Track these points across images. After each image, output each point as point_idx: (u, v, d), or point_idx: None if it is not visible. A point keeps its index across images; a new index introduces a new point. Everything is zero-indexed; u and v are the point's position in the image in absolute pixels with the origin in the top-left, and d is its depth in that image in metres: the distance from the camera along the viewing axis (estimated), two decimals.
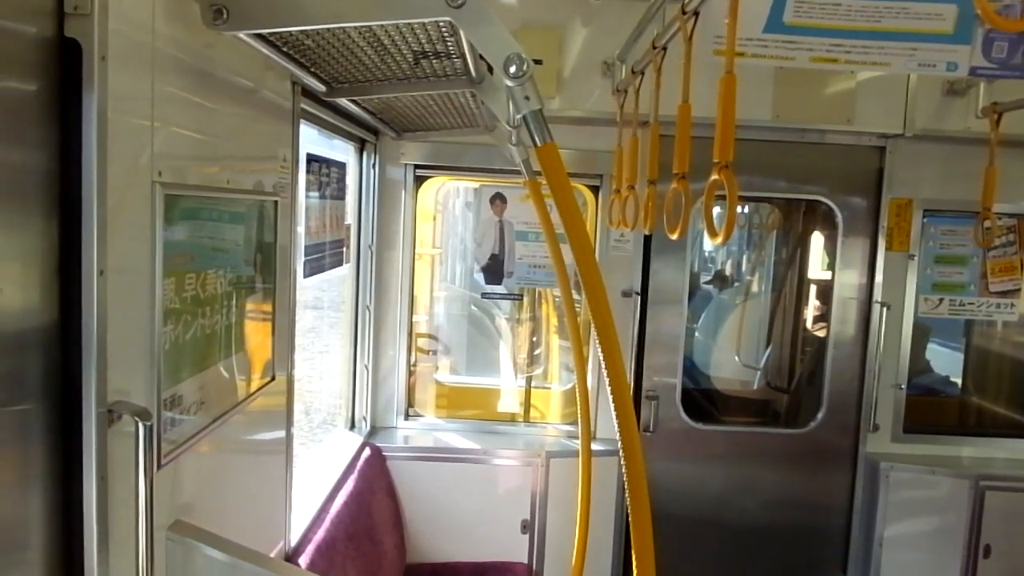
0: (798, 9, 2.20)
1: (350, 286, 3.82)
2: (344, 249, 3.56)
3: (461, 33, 1.76)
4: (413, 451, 3.80)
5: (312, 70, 2.09)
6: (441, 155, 3.94)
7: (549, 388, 4.51)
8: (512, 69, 1.40)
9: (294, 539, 2.54)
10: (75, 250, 1.27)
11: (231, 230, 1.92)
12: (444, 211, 4.70)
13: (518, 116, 1.50)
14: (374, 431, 3.92)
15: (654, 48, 2.52)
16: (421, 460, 3.77)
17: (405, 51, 1.94)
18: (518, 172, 3.29)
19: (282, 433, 2.40)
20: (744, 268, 5.74)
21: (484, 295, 4.17)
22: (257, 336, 2.13)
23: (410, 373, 4.08)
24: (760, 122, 3.66)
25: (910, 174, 3.90)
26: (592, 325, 1.48)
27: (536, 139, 1.46)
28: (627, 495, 1.53)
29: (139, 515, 1.33)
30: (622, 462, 1.51)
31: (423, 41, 1.84)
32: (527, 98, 1.46)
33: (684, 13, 2.09)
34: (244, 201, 1.99)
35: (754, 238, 5.53)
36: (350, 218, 3.70)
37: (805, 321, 4.84)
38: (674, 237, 2.18)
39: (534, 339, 4.55)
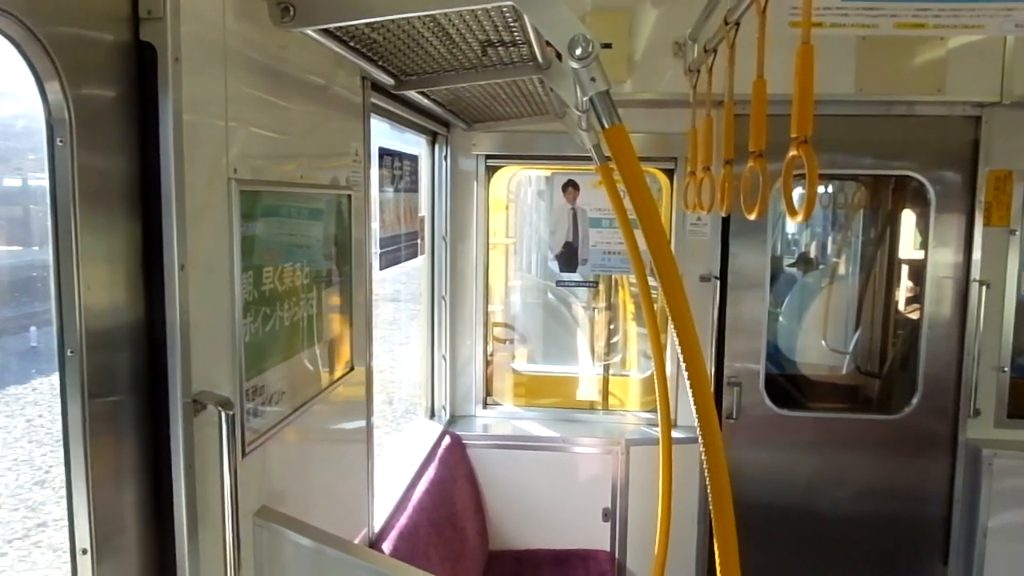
0: None
1: (425, 277, 3.87)
2: (419, 241, 3.61)
3: (525, 18, 1.74)
4: (492, 439, 3.82)
5: (380, 64, 2.11)
6: (512, 144, 3.94)
7: (627, 375, 4.45)
8: (577, 51, 1.38)
9: (377, 526, 2.59)
10: (157, 247, 1.32)
11: (306, 225, 1.97)
12: (517, 200, 4.69)
13: (585, 99, 1.47)
14: (453, 420, 3.97)
15: (726, 24, 2.44)
16: (501, 448, 3.79)
17: (471, 40, 1.94)
18: (590, 158, 3.25)
19: (363, 422, 2.45)
20: (829, 249, 5.52)
21: (559, 283, 4.15)
22: (335, 328, 2.17)
23: (487, 362, 4.11)
24: (843, 96, 3.50)
25: (1009, 144, 3.65)
26: (668, 311, 1.44)
27: (604, 121, 1.43)
28: (707, 483, 1.50)
29: (225, 501, 1.38)
30: (702, 450, 1.48)
31: (488, 29, 1.83)
32: (593, 79, 1.43)
33: None
34: (318, 196, 2.03)
35: (839, 218, 5.30)
36: (424, 210, 3.74)
37: (896, 303, 4.63)
38: (752, 217, 2.11)
39: (611, 326, 4.50)
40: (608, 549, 3.75)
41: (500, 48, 2.05)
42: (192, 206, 1.35)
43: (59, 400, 1.17)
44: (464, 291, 3.99)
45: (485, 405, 4.08)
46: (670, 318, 1.43)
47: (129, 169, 1.28)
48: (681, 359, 1.44)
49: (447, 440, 3.63)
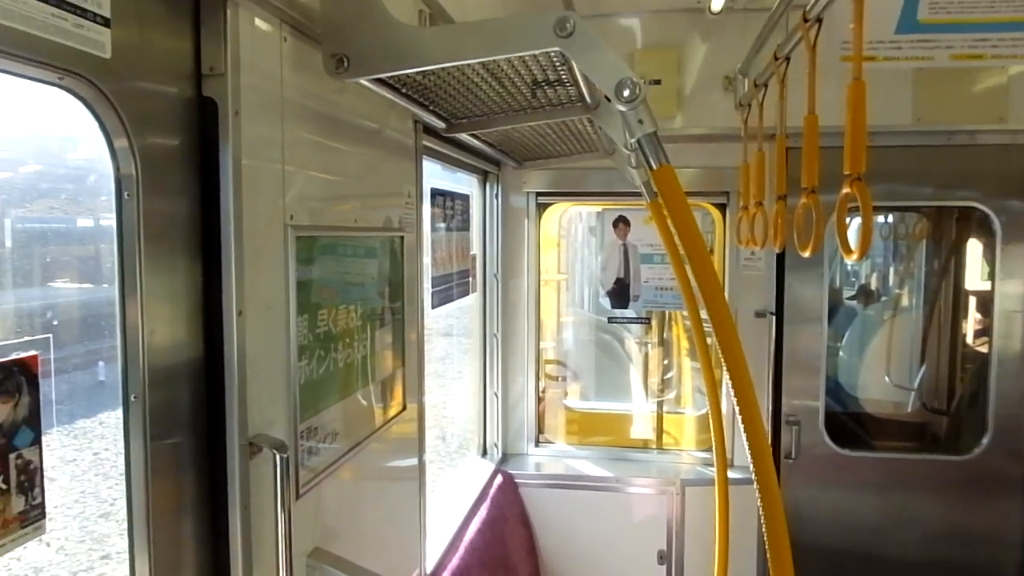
0: (934, 5, 2.05)
1: (477, 314, 3.89)
2: (470, 279, 3.64)
3: (572, 62, 1.76)
4: (545, 478, 3.79)
5: (432, 108, 2.15)
6: (563, 181, 3.96)
7: (682, 413, 4.38)
8: (625, 94, 1.39)
9: (429, 566, 2.58)
10: (216, 291, 1.36)
11: (360, 266, 2.01)
12: (568, 237, 4.70)
13: (632, 140, 1.48)
14: (505, 458, 3.95)
15: (776, 59, 2.43)
16: (553, 487, 3.75)
17: (519, 83, 1.97)
18: (640, 194, 3.25)
19: (415, 461, 2.46)
20: (891, 281, 5.37)
21: (611, 319, 4.12)
22: (389, 367, 2.20)
23: (539, 399, 4.09)
24: (900, 127, 3.43)
25: None
26: (719, 349, 1.43)
27: (652, 162, 1.44)
28: (763, 524, 1.46)
29: (279, 543, 1.39)
30: (757, 491, 1.45)
31: (536, 72, 1.86)
32: (641, 121, 1.44)
33: (806, 20, 2.00)
34: (372, 238, 2.07)
35: (900, 249, 5.16)
36: (475, 248, 3.78)
37: (964, 336, 4.46)
38: (806, 255, 2.07)
39: (664, 363, 4.44)
40: None
41: (549, 89, 2.07)
42: (250, 251, 1.39)
43: (123, 440, 1.21)
44: (516, 328, 3.99)
45: (537, 443, 4.05)
46: (721, 356, 1.42)
47: (191, 216, 1.33)
48: (734, 398, 1.42)
49: (499, 479, 3.61)
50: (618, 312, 4.04)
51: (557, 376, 4.37)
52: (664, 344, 4.44)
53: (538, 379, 4.06)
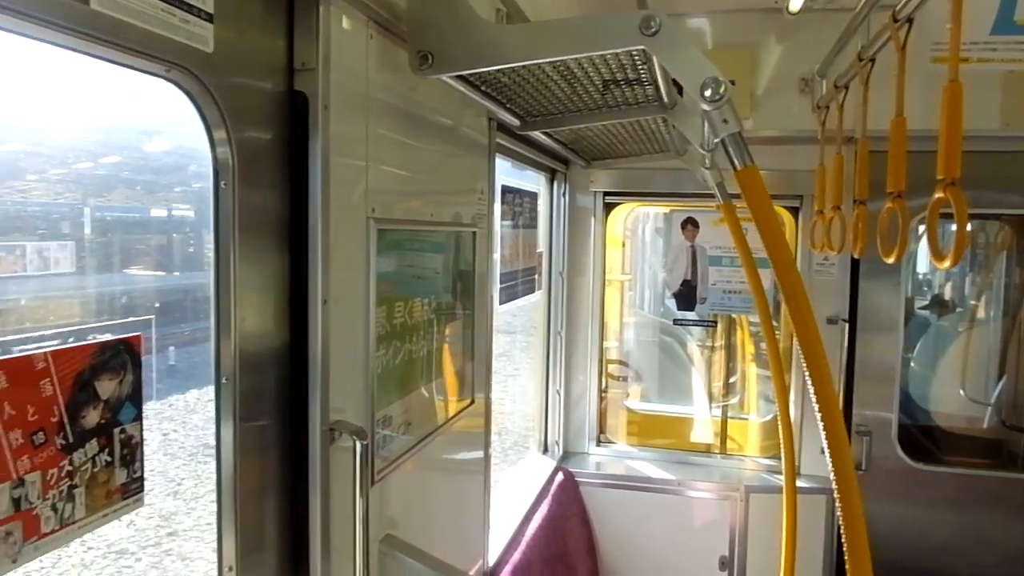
0: None
1: (542, 312, 3.89)
2: (536, 276, 3.65)
3: (654, 60, 1.75)
4: (606, 478, 3.77)
5: (508, 106, 2.17)
6: (630, 181, 3.94)
7: (746, 419, 4.30)
8: (708, 93, 1.38)
9: (492, 559, 2.60)
10: (302, 281, 1.40)
11: (434, 260, 2.04)
12: (633, 237, 4.67)
13: (715, 140, 1.47)
14: (566, 456, 3.95)
15: (860, 60, 2.37)
16: (615, 488, 3.74)
17: (597, 81, 1.97)
18: (710, 196, 3.20)
19: (480, 454, 2.48)
20: (968, 291, 5.16)
21: (676, 321, 4.08)
22: (458, 360, 2.22)
23: (601, 399, 4.08)
24: (986, 131, 3.30)
25: None
26: (799, 353, 1.40)
27: (736, 162, 1.42)
28: (843, 536, 1.43)
29: (356, 527, 1.43)
30: (837, 501, 1.42)
31: (614, 69, 1.86)
32: (725, 121, 1.42)
33: (896, 21, 1.94)
34: (445, 232, 2.10)
35: (979, 258, 4.96)
36: (541, 246, 3.78)
37: None
38: (891, 261, 2.01)
39: (728, 367, 4.37)
40: None
41: (625, 88, 2.06)
42: (335, 242, 1.43)
43: (214, 423, 1.26)
44: (579, 327, 3.99)
45: (599, 443, 4.04)
46: (804, 363, 1.39)
47: (280, 208, 1.37)
48: (814, 403, 1.40)
49: (560, 476, 3.62)
50: (683, 314, 3.99)
51: (619, 376, 4.34)
52: (728, 348, 4.37)
53: (601, 378, 4.05)
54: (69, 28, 0.92)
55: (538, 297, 3.81)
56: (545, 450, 3.92)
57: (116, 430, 1.02)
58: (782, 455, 3.13)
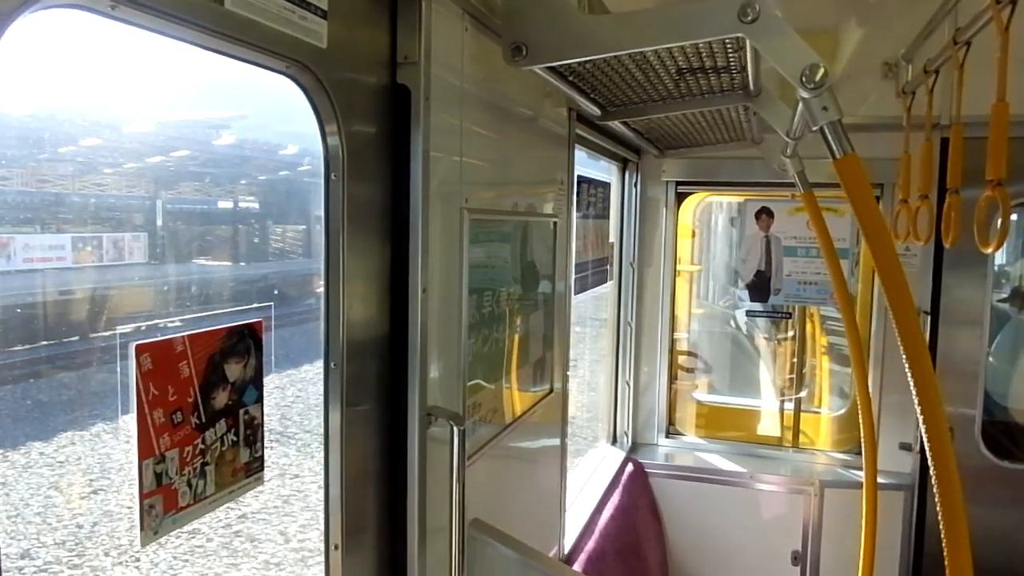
0: None
1: (612, 303, 3.89)
2: (608, 266, 3.64)
3: (747, 47, 1.73)
4: (676, 470, 3.76)
5: (591, 96, 2.17)
6: (702, 170, 3.89)
7: (818, 412, 4.22)
8: (809, 80, 1.37)
9: (567, 546, 2.62)
10: (401, 270, 1.43)
11: (518, 250, 2.06)
12: (703, 227, 4.61)
13: (814, 128, 1.45)
14: (635, 447, 3.94)
15: (955, 44, 2.29)
16: (684, 480, 3.72)
17: (682, 69, 1.95)
18: (785, 185, 3.14)
19: (557, 442, 2.50)
20: None
21: (749, 313, 4.03)
22: (540, 350, 2.24)
23: (670, 390, 4.05)
24: None
25: None
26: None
27: (835, 150, 1.41)
28: (943, 536, 1.41)
29: (452, 510, 1.46)
30: (937, 499, 1.40)
31: (704, 57, 1.84)
32: (825, 108, 1.41)
33: (998, 2, 1.87)
34: (530, 223, 2.12)
35: None
36: (613, 236, 3.77)
37: None
38: (988, 251, 1.95)
39: (800, 359, 4.29)
40: None
41: (711, 76, 2.04)
42: (433, 233, 1.46)
43: (322, 407, 1.30)
44: (650, 318, 3.96)
45: (667, 434, 4.02)
46: (904, 358, 1.37)
47: (382, 199, 1.41)
48: (916, 400, 1.37)
49: (630, 467, 3.61)
50: (756, 305, 3.93)
51: (688, 367, 4.31)
52: (800, 340, 4.29)
53: (671, 369, 4.02)
54: (205, 27, 0.96)
55: (608, 288, 3.80)
56: (614, 441, 3.92)
57: (241, 411, 1.07)
58: (863, 450, 3.07)
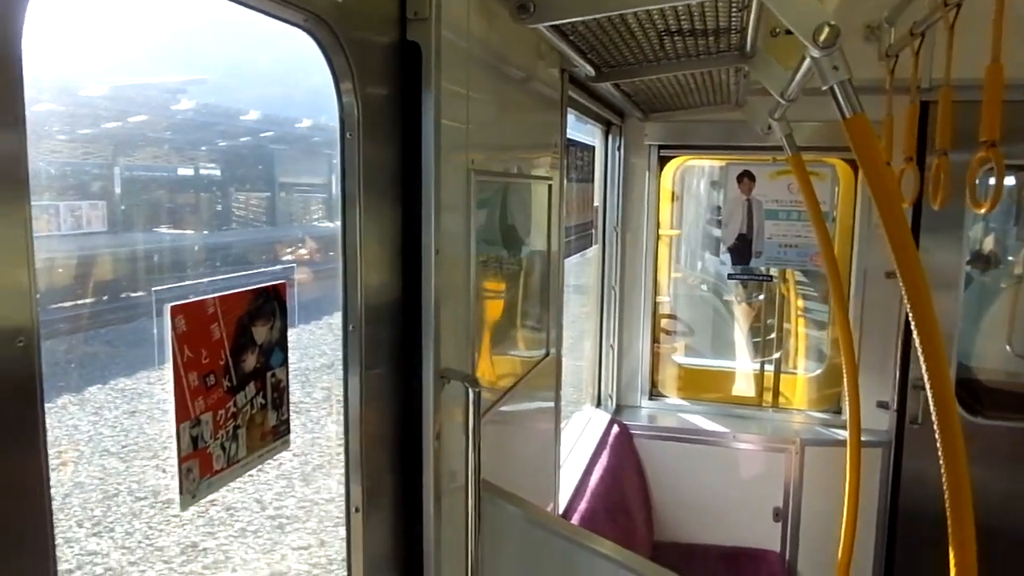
0: None
1: (596, 267, 3.90)
2: (593, 231, 3.65)
3: (752, 7, 1.73)
4: (659, 431, 3.82)
5: (588, 56, 2.15)
6: (684, 134, 3.89)
7: (794, 373, 4.30)
8: (822, 39, 1.37)
9: (561, 505, 2.66)
10: (412, 232, 1.42)
11: (516, 213, 2.05)
12: (683, 191, 4.63)
13: (824, 87, 1.46)
14: (619, 409, 3.99)
15: (946, 5, 2.30)
16: (668, 440, 3.78)
17: (685, 29, 1.94)
18: (767, 148, 3.15)
19: (551, 405, 2.52)
20: (1010, 247, 5.08)
21: (731, 276, 4.07)
22: (537, 313, 2.25)
23: (653, 353, 4.09)
24: None
25: None
26: (909, 312, 1.42)
27: (844, 110, 1.41)
28: (945, 488, 1.46)
29: (468, 472, 1.47)
30: (939, 443, 1.44)
31: (708, 17, 1.83)
32: (836, 68, 1.41)
33: None
34: (527, 185, 2.10)
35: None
36: (597, 200, 3.77)
37: None
38: (982, 212, 1.99)
39: (779, 321, 4.36)
40: (778, 550, 3.66)
41: (711, 37, 2.03)
42: (444, 195, 1.44)
43: (331, 370, 1.29)
44: (632, 282, 3.99)
45: (650, 396, 4.07)
46: (912, 320, 1.40)
47: (393, 160, 1.38)
48: (923, 365, 1.41)
49: (615, 429, 3.66)
50: (738, 268, 3.97)
51: (669, 331, 4.35)
52: (777, 302, 4.35)
53: (654, 333, 4.06)
54: None
55: (592, 252, 3.81)
56: (598, 403, 3.96)
57: (268, 374, 1.06)
58: (847, 409, 3.14)
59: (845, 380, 3.08)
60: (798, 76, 1.93)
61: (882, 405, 3.65)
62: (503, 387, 1.95)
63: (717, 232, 4.45)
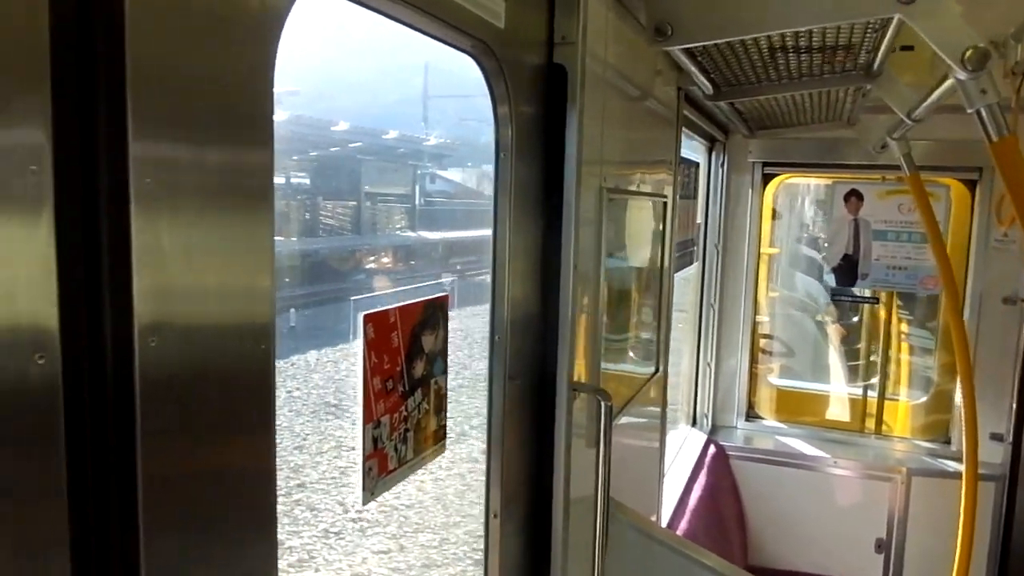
0: None
1: (695, 284, 3.87)
2: (694, 248, 3.63)
3: (889, 27, 1.71)
4: (757, 452, 3.75)
5: (711, 75, 2.16)
6: (787, 151, 3.83)
7: (898, 399, 4.16)
8: (970, 62, 1.35)
9: (663, 523, 2.65)
10: (549, 248, 1.46)
11: (635, 231, 2.07)
12: (783, 209, 4.54)
13: (970, 110, 1.44)
14: (714, 429, 3.94)
15: None
16: (765, 463, 3.71)
17: (815, 48, 1.93)
18: (873, 167, 3.07)
19: (658, 422, 2.52)
20: None
21: (835, 297, 3.97)
22: (650, 329, 2.26)
23: (751, 373, 4.03)
24: None
25: None
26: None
27: (991, 133, 1.39)
28: None
29: (598, 484, 1.49)
30: None
31: (841, 37, 1.82)
32: (984, 91, 1.39)
33: None
34: (645, 203, 2.12)
35: None
36: (699, 217, 3.75)
37: None
38: None
39: (885, 345, 4.22)
40: None
41: (840, 55, 2.02)
42: (581, 212, 1.48)
43: (486, 381, 1.34)
44: (732, 300, 3.94)
45: (747, 417, 4.00)
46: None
47: (536, 178, 1.43)
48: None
49: (712, 449, 3.62)
50: (842, 289, 3.88)
51: (768, 351, 4.27)
52: (883, 325, 4.21)
53: (752, 353, 4.00)
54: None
55: (694, 269, 3.79)
56: (693, 422, 3.92)
57: (431, 381, 1.11)
58: (963, 438, 3.02)
59: (963, 410, 2.96)
60: (933, 96, 1.90)
61: (996, 437, 3.50)
62: (618, 404, 1.97)
63: (806, 251, 4.36)
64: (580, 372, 1.55)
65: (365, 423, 0.94)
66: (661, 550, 1.73)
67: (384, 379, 0.98)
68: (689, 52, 1.84)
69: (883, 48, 1.89)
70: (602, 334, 1.67)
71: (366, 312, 0.92)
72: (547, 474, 1.50)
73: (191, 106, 0.63)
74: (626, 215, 1.96)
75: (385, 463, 1.00)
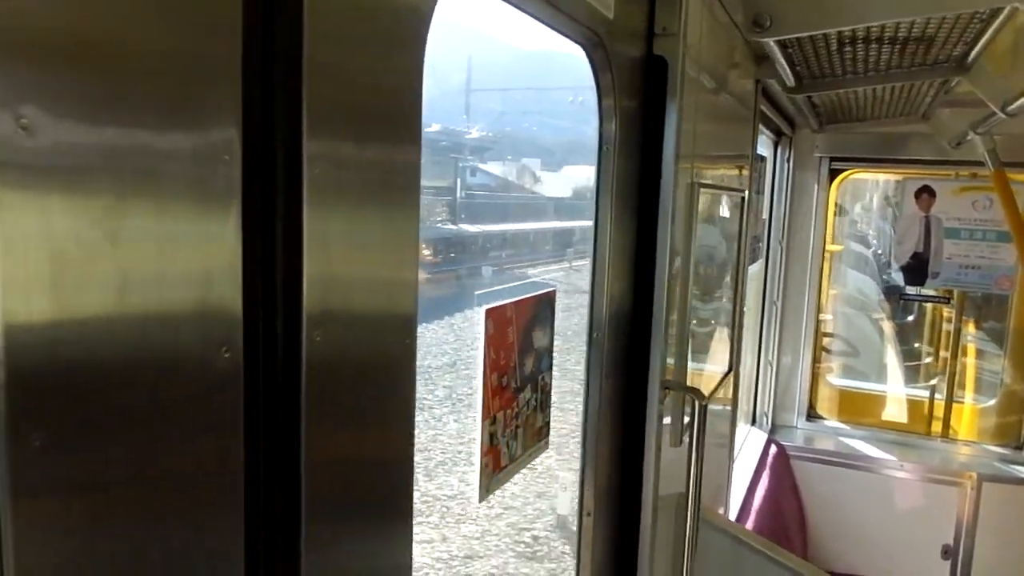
0: None
1: (758, 281, 3.80)
2: (760, 244, 3.56)
3: (997, 19, 1.64)
4: (819, 453, 3.67)
5: (797, 68, 2.11)
6: (853, 146, 3.73)
7: (962, 401, 4.03)
8: None
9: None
10: (643, 244, 1.43)
11: (717, 227, 2.03)
12: (848, 205, 4.43)
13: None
14: (774, 428, 3.87)
15: None
16: (827, 464, 3.63)
17: (910, 38, 1.87)
18: (946, 163, 2.97)
19: (728, 421, 2.48)
20: None
21: (903, 296, 3.86)
22: (728, 327, 2.22)
23: (813, 373, 3.95)
24: None
25: None
26: None
27: None
28: None
29: (689, 485, 1.47)
30: None
31: (943, 28, 1.75)
32: None
33: None
34: (730, 196, 2.08)
35: None
36: (765, 212, 3.68)
37: None
38: None
39: (953, 346, 4.09)
40: None
41: (934, 47, 1.95)
42: (676, 207, 1.45)
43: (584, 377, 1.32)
44: (795, 298, 3.86)
45: (808, 417, 3.92)
46: None
47: (634, 173, 1.40)
48: None
49: (773, 449, 3.56)
50: (912, 288, 3.77)
51: (832, 350, 4.18)
52: (951, 326, 4.09)
53: (815, 352, 3.91)
54: None
55: (757, 266, 3.71)
56: (753, 421, 3.85)
57: (539, 377, 1.10)
58: None
59: None
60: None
61: None
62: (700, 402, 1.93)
63: (858, 248, 4.23)
64: (670, 370, 1.52)
65: (483, 419, 0.93)
66: (751, 556, 1.70)
67: (500, 375, 0.97)
68: (781, 43, 1.79)
69: (984, 40, 1.82)
70: (690, 332, 1.64)
71: (487, 307, 0.91)
72: (635, 473, 1.48)
73: (354, 104, 0.63)
74: (709, 211, 1.92)
75: (498, 460, 0.99)
